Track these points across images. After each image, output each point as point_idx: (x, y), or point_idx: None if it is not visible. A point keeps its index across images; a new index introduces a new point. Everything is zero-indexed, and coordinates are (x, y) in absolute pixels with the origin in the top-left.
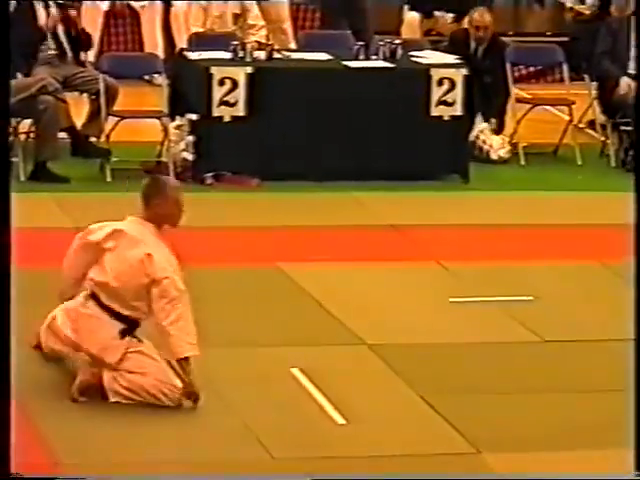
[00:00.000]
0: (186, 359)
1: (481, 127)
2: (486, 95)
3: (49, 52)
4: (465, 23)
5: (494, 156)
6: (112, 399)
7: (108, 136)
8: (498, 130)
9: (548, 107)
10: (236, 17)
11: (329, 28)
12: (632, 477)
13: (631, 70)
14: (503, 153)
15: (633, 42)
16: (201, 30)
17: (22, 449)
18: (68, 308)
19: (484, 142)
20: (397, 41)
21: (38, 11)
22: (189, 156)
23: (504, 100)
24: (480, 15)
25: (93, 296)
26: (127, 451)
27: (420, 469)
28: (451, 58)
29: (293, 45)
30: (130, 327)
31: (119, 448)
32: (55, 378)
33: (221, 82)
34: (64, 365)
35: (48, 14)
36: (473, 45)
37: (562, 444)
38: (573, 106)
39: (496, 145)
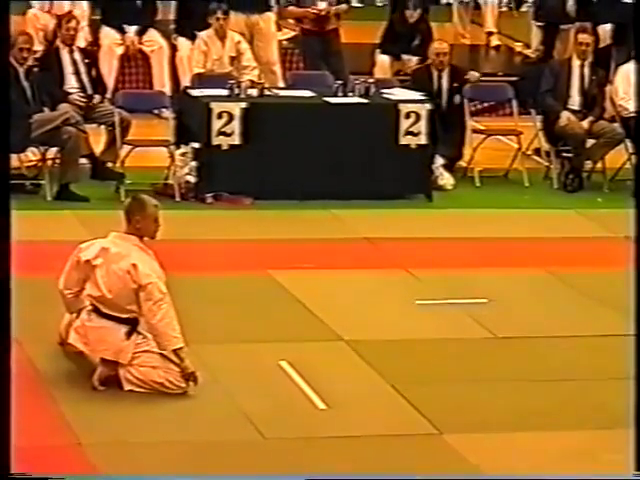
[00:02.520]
0: (179, 349)
1: (437, 163)
2: (446, 127)
3: (72, 90)
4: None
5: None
6: (126, 388)
7: (122, 162)
8: (457, 157)
9: (500, 137)
10: (232, 59)
11: (311, 69)
12: (632, 477)
13: (570, 105)
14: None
15: (573, 81)
16: (202, 71)
17: (47, 431)
18: (77, 326)
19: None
20: (370, 80)
21: (63, 56)
22: (192, 179)
23: (462, 132)
24: (439, 44)
25: (95, 310)
26: (136, 433)
27: (389, 447)
28: (417, 95)
29: (281, 84)
30: (132, 326)
31: (129, 430)
32: (77, 371)
33: (219, 115)
34: (85, 359)
35: (72, 59)
36: (435, 74)
37: (514, 426)
38: (521, 136)
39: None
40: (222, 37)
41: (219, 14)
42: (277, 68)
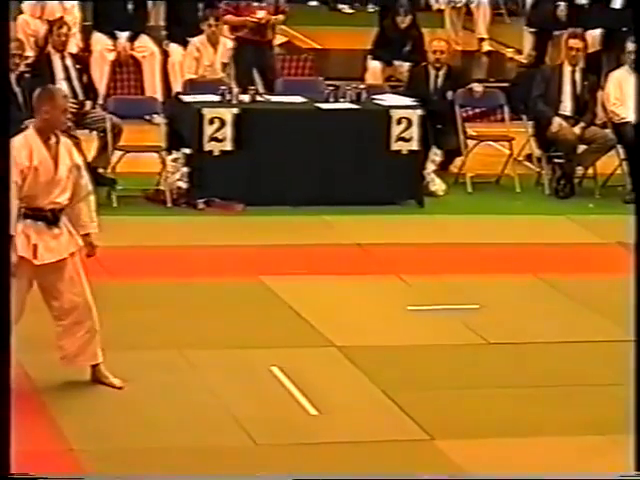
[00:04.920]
0: None
1: (429, 169)
2: (443, 124)
3: None
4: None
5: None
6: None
7: (114, 167)
8: (456, 152)
9: (492, 143)
10: (224, 65)
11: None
12: (632, 477)
13: (562, 111)
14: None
15: (564, 87)
16: (194, 77)
17: (40, 437)
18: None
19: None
20: (362, 86)
21: (54, 62)
22: (184, 185)
23: (457, 128)
24: (437, 41)
25: None
26: (128, 439)
27: (380, 453)
28: (408, 100)
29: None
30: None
31: (122, 436)
32: (68, 379)
33: (211, 121)
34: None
35: (63, 64)
36: (432, 74)
37: (505, 432)
38: (513, 142)
39: (436, 184)
40: (214, 43)
41: (211, 20)
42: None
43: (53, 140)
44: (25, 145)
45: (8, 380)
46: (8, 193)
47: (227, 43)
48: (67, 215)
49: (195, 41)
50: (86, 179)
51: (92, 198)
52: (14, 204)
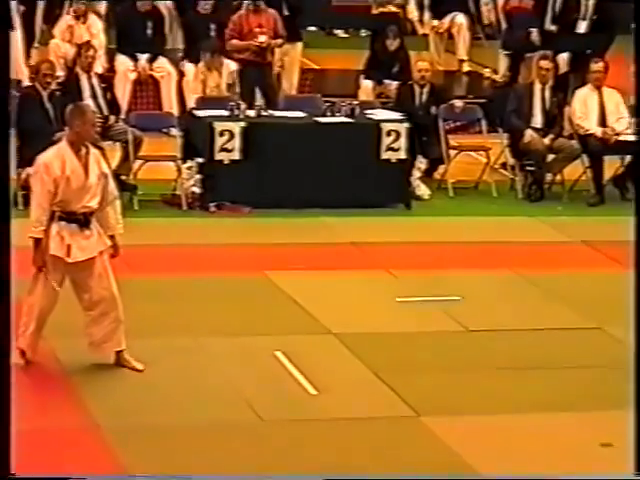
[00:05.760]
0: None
1: (415, 176)
2: (427, 136)
3: None
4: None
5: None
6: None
7: (135, 175)
8: (439, 160)
9: (471, 152)
10: (229, 86)
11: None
12: (632, 477)
13: (533, 124)
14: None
15: (535, 103)
16: (201, 95)
17: (66, 415)
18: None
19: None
20: (355, 102)
21: (82, 81)
22: (197, 190)
23: (439, 138)
24: (422, 62)
25: None
26: (148, 415)
27: (372, 428)
28: (396, 115)
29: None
30: None
31: (142, 413)
32: (95, 361)
33: (221, 134)
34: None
35: (90, 83)
36: (417, 92)
37: (484, 410)
38: (489, 152)
39: (422, 189)
40: (216, 68)
41: (207, 56)
42: (293, 92)
43: (83, 151)
44: (58, 156)
45: (9, 382)
46: (8, 196)
47: (230, 66)
48: (96, 218)
49: (201, 65)
50: (112, 185)
51: (118, 202)
52: (45, 210)
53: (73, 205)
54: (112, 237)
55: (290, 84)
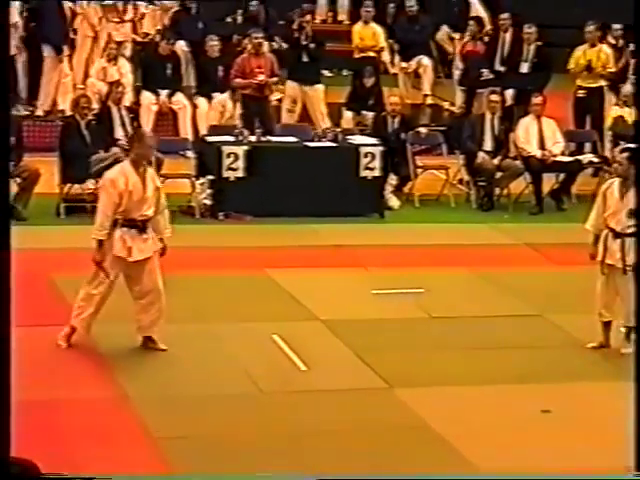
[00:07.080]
0: None
1: (387, 190)
2: (398, 157)
3: (120, 137)
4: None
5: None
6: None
7: None
8: (407, 178)
9: (433, 171)
10: (241, 115)
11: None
12: (632, 477)
13: (484, 148)
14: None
15: (486, 130)
16: (215, 123)
17: (99, 386)
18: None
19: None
20: (338, 130)
21: (113, 112)
22: (208, 202)
23: (406, 167)
24: (393, 97)
25: None
26: (169, 387)
27: (352, 398)
28: (372, 140)
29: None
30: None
31: (165, 385)
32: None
33: (228, 155)
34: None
35: (120, 114)
36: (390, 121)
37: (448, 382)
38: (449, 170)
39: (393, 201)
40: (235, 100)
41: (230, 93)
42: (324, 125)
43: (142, 169)
44: (122, 173)
45: (8, 383)
46: (7, 202)
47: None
48: (151, 224)
49: (220, 98)
50: (163, 197)
51: (166, 212)
52: (109, 217)
53: (133, 214)
54: (161, 239)
55: (322, 115)
